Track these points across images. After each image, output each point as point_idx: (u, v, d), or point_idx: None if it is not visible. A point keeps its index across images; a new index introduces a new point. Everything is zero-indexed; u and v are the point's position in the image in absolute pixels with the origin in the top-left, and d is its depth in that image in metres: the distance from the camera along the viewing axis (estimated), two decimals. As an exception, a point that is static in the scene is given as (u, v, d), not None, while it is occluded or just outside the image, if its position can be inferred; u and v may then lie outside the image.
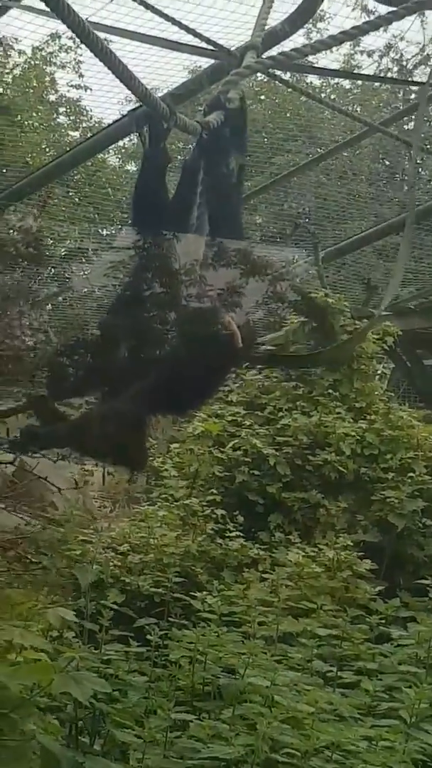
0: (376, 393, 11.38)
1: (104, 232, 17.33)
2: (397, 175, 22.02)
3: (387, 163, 22.39)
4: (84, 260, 15.20)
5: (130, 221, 5.53)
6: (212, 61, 9.45)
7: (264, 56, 6.07)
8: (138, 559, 8.04)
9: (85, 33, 3.91)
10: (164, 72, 11.32)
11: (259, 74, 9.75)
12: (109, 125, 11.27)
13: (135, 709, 5.35)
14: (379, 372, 12.03)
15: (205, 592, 7.28)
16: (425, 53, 21.02)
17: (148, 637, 5.97)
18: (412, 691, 5.65)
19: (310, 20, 9.75)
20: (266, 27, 6.25)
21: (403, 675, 6.46)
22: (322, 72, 15.95)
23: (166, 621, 6.62)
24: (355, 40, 18.07)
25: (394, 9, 6.35)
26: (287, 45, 8.31)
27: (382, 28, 7.63)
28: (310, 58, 8.96)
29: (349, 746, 5.14)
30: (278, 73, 11.00)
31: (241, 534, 9.01)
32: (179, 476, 10.40)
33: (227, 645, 6.21)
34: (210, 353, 4.68)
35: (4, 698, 3.85)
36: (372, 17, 8.91)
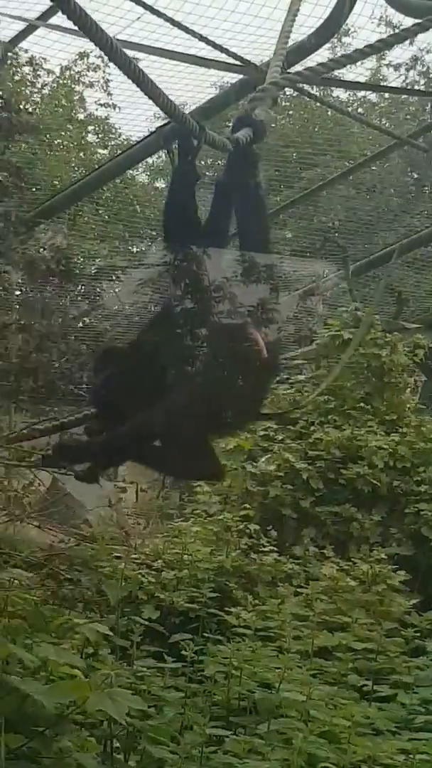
0: (408, 406, 11.36)
1: (134, 249, 17.36)
2: (426, 188, 21.99)
3: (416, 175, 22.37)
4: (114, 278, 15.25)
5: (161, 238, 5.52)
6: (240, 76, 9.46)
7: (291, 71, 6.03)
8: (172, 575, 8.03)
9: (113, 51, 3.89)
10: (193, 88, 11.32)
11: (287, 89, 9.73)
12: (138, 142, 11.30)
13: (170, 725, 5.33)
14: (410, 385, 11.97)
15: (239, 607, 7.28)
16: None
17: (183, 652, 5.97)
18: (449, 704, 5.63)
19: (335, 34, 9.70)
20: (290, 41, 6.19)
21: (440, 688, 6.45)
22: (349, 85, 15.91)
23: (200, 636, 6.60)
24: (381, 53, 18.06)
25: (420, 21, 6.32)
26: (314, 60, 8.28)
27: (407, 41, 7.63)
28: (336, 72, 8.93)
29: (386, 760, 5.11)
30: (306, 87, 10.98)
31: (275, 549, 8.99)
32: (212, 492, 10.40)
33: (262, 660, 6.20)
34: (238, 368, 4.67)
35: (40, 716, 3.86)
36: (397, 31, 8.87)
